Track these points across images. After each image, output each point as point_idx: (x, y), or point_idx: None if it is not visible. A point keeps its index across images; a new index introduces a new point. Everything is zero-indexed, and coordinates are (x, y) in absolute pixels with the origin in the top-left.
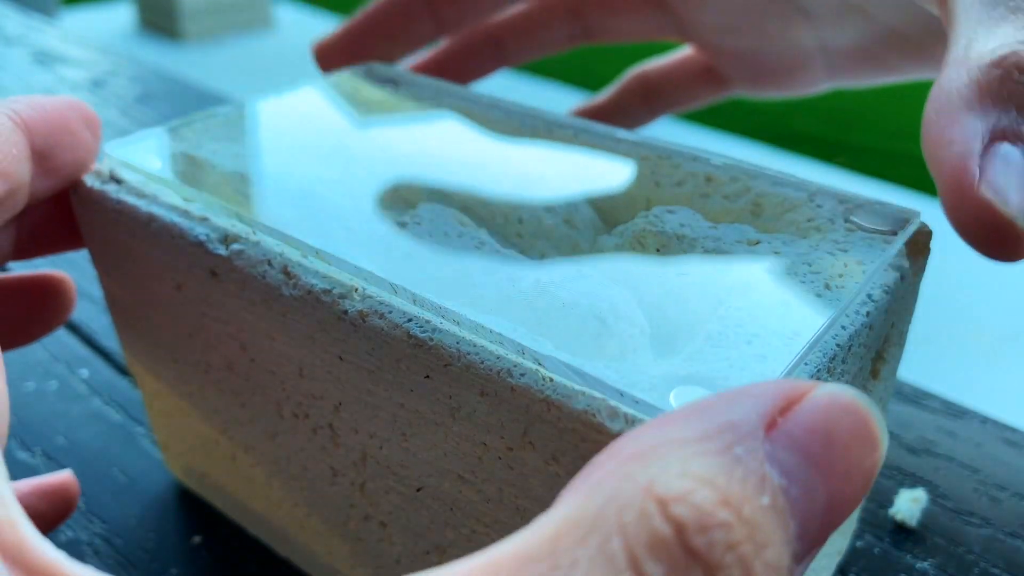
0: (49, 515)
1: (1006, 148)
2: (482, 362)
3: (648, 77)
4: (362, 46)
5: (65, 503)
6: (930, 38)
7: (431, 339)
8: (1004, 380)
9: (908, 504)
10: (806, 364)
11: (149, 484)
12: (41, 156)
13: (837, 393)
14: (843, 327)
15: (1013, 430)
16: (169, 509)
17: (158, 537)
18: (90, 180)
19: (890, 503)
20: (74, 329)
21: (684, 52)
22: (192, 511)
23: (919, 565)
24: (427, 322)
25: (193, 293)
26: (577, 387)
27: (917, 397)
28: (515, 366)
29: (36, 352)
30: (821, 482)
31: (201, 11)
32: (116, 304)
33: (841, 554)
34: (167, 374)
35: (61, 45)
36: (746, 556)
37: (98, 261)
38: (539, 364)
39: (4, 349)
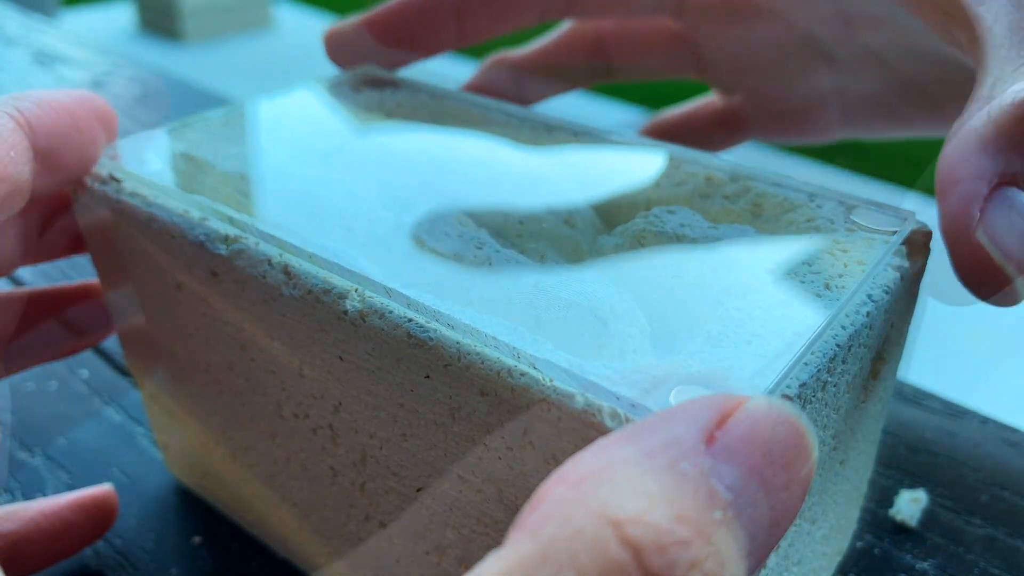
0: (88, 529)
1: (1012, 193)
2: (482, 362)
3: (666, 125)
4: (379, 42)
5: (104, 516)
6: (946, 94)
7: (431, 339)
8: (1004, 380)
9: (908, 504)
10: (806, 364)
11: (149, 484)
12: (45, 154)
13: (769, 405)
14: (843, 327)
15: (1013, 430)
16: (169, 509)
17: (158, 537)
18: (90, 180)
19: (890, 503)
20: None
21: (701, 100)
22: (192, 511)
23: (919, 565)
24: (427, 322)
25: (193, 293)
26: (577, 387)
27: (917, 397)
28: (515, 366)
29: None
30: (764, 494)
31: (201, 11)
32: (116, 304)
33: (841, 554)
34: (167, 374)
35: (61, 45)
36: (711, 574)
37: (98, 261)
38: (534, 367)
39: (46, 360)
